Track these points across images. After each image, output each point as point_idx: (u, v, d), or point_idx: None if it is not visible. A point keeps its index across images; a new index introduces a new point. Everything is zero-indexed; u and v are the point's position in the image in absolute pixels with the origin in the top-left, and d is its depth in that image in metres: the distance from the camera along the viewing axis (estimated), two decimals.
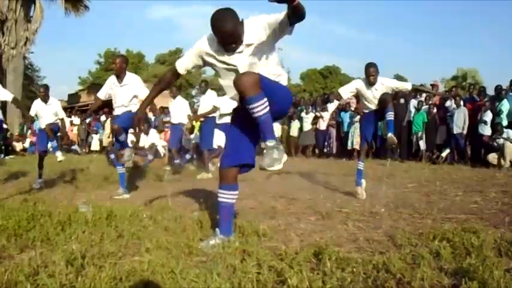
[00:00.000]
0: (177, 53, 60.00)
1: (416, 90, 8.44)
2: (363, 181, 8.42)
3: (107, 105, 32.74)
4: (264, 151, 4.73)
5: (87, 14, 29.12)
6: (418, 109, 16.37)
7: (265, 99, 4.55)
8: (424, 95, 16.98)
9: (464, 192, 8.55)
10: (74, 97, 44.17)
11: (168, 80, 5.32)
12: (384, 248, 4.67)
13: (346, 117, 18.45)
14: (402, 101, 16.75)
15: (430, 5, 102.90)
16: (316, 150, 20.33)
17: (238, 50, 4.71)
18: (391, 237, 5.10)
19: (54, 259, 4.13)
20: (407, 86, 9.10)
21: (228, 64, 4.84)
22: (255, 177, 10.88)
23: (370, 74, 8.46)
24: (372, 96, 8.61)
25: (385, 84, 8.56)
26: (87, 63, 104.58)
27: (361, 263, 3.92)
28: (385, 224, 5.85)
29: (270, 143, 4.68)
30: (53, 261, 4.06)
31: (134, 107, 8.94)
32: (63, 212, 6.16)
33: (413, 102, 16.66)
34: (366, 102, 8.81)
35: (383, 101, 8.45)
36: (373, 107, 8.71)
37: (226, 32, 4.56)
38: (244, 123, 5.05)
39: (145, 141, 17.72)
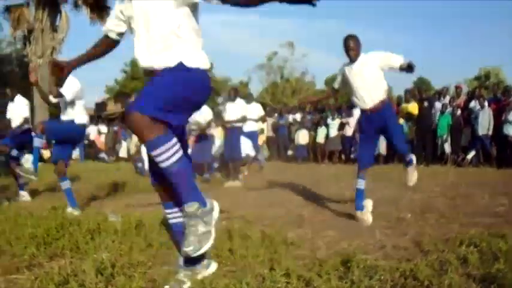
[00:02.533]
0: None
1: (409, 68, 6.67)
2: (368, 202, 6.97)
3: None
4: (184, 221, 3.48)
5: None
6: (442, 112, 16.29)
7: (173, 141, 3.36)
8: (448, 97, 16.89)
9: (491, 195, 8.46)
10: (100, 105, 44.51)
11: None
12: (411, 255, 4.69)
13: None
14: (426, 104, 16.69)
15: (449, 5, 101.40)
16: (343, 156, 20.22)
17: None
18: (418, 243, 5.12)
19: (84, 268, 4.16)
20: (397, 61, 6.85)
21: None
22: (281, 186, 10.93)
23: (349, 47, 6.91)
24: (359, 80, 6.95)
25: (369, 58, 6.93)
26: (113, 72, 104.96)
27: (388, 270, 3.94)
28: (412, 230, 5.89)
29: (190, 207, 3.38)
30: (83, 270, 4.10)
31: (75, 115, 8.44)
32: (92, 221, 6.18)
33: (437, 105, 16.60)
34: (355, 94, 7.12)
35: None
36: (364, 97, 7.00)
37: None
38: None
39: None
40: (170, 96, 3.45)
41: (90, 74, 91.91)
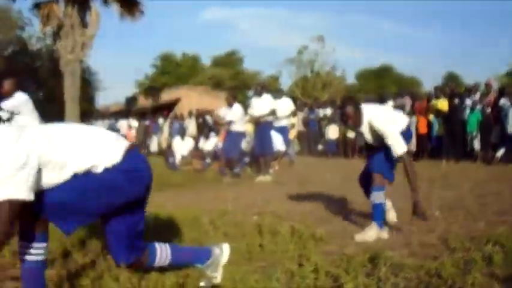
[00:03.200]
0: (233, 55, 60.15)
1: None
2: (390, 213, 6.49)
3: (167, 108, 32.74)
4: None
5: (142, 18, 29.38)
6: (472, 109, 16.16)
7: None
8: (478, 94, 16.76)
9: None
10: (131, 100, 44.73)
11: None
12: (438, 252, 4.76)
13: None
14: (456, 101, 16.61)
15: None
16: None
17: None
18: (445, 240, 5.18)
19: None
20: (397, 151, 5.74)
21: None
22: (311, 181, 11.01)
23: (347, 115, 5.93)
24: (364, 141, 6.38)
25: (374, 125, 5.87)
26: (143, 66, 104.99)
27: (414, 268, 4.03)
28: (439, 227, 5.93)
29: None
30: (117, 266, 4.16)
31: None
32: None
33: (467, 102, 16.47)
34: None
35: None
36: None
37: None
38: None
39: (204, 144, 17.86)
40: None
41: (121, 68, 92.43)
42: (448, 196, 8.36)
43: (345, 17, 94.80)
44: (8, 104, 7.18)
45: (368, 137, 6.09)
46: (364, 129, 6.00)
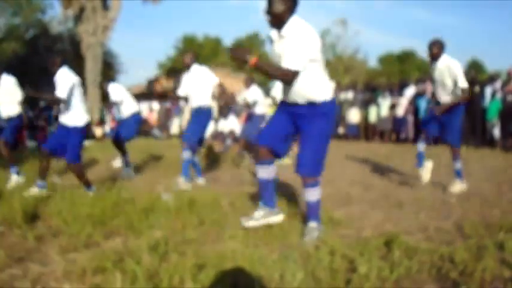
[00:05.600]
0: (255, 37, 59.91)
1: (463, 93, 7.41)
2: (428, 163, 8.07)
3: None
4: (306, 229, 4.92)
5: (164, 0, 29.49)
6: (492, 97, 16.10)
7: (319, 188, 5.04)
8: (499, 82, 16.63)
9: None
10: (152, 82, 44.68)
11: None
12: (452, 238, 4.83)
13: (422, 103, 18.13)
14: (477, 88, 16.52)
15: None
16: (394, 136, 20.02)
17: (279, 35, 4.78)
18: (460, 227, 5.24)
19: (139, 246, 4.36)
20: (463, 83, 7.54)
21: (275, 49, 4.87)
22: (331, 164, 11.07)
23: (432, 48, 7.66)
24: (437, 76, 7.78)
25: (449, 66, 7.56)
26: (165, 48, 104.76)
27: (428, 252, 4.09)
28: (455, 214, 5.99)
29: (312, 224, 4.92)
30: (138, 248, 4.29)
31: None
32: (146, 200, 6.34)
33: (488, 90, 16.41)
34: (435, 87, 8.01)
35: None
36: (442, 95, 7.85)
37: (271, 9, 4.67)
38: (288, 118, 5.04)
39: (224, 126, 17.84)
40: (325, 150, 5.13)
41: (142, 50, 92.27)
42: (466, 183, 8.36)
43: (369, 0, 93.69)
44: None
45: (440, 73, 7.69)
46: (440, 66, 7.66)
